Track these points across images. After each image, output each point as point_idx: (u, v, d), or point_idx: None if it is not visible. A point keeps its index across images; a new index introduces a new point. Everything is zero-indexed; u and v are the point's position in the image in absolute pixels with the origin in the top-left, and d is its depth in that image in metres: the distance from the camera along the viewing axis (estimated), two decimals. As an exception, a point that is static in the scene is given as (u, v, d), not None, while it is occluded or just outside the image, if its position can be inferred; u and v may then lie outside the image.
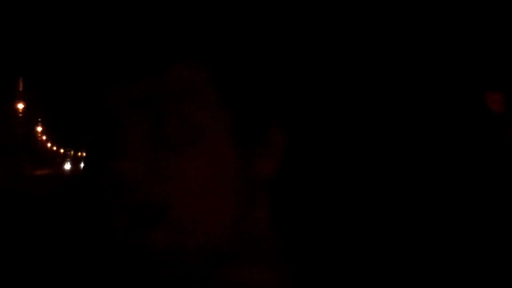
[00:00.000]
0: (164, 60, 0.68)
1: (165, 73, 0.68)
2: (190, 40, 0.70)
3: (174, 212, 0.67)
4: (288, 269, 0.76)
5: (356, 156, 1.19)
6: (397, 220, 1.19)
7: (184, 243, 0.67)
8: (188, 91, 0.68)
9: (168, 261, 0.68)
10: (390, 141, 1.25)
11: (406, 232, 1.16)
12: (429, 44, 1.38)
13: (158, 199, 0.67)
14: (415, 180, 1.23)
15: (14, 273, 0.92)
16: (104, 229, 0.73)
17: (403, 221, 1.18)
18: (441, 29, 1.40)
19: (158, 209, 0.67)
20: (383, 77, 1.31)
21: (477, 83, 1.45)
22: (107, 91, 0.70)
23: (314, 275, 0.76)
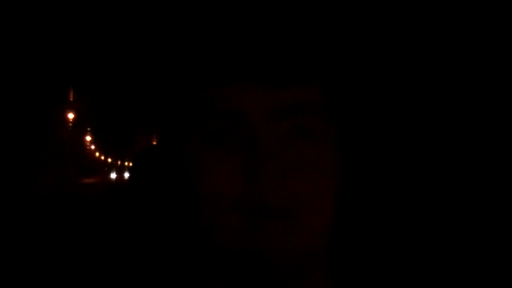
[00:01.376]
0: (291, 76, 0.70)
1: (291, 89, 0.70)
2: (318, 61, 0.72)
3: (294, 214, 0.69)
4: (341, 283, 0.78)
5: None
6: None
7: (298, 244, 0.69)
8: (305, 103, 0.70)
9: (276, 262, 0.69)
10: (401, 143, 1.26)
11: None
12: (440, 45, 1.39)
13: (279, 202, 0.68)
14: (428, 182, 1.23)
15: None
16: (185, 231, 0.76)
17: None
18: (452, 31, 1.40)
19: (279, 210, 0.68)
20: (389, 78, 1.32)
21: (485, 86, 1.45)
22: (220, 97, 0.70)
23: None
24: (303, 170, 0.70)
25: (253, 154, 0.68)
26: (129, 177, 2.14)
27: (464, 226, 1.21)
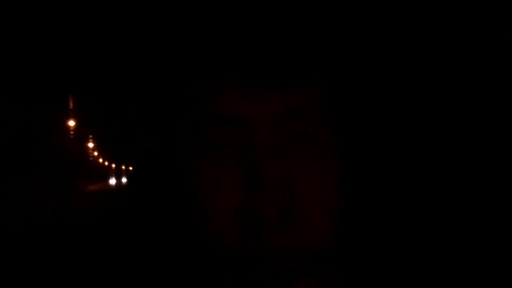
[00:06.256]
0: (290, 78, 0.69)
1: (289, 91, 0.69)
2: (319, 64, 0.72)
3: (299, 214, 0.69)
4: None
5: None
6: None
7: (302, 245, 0.69)
8: (306, 107, 0.70)
9: (278, 264, 0.69)
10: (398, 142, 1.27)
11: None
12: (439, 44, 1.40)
13: (283, 201, 0.68)
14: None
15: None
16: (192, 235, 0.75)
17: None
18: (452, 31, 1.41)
19: (284, 210, 0.68)
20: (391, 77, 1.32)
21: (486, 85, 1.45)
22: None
23: None
24: (304, 175, 0.70)
25: (254, 161, 0.68)
26: (129, 181, 2.15)
27: (459, 222, 1.22)
